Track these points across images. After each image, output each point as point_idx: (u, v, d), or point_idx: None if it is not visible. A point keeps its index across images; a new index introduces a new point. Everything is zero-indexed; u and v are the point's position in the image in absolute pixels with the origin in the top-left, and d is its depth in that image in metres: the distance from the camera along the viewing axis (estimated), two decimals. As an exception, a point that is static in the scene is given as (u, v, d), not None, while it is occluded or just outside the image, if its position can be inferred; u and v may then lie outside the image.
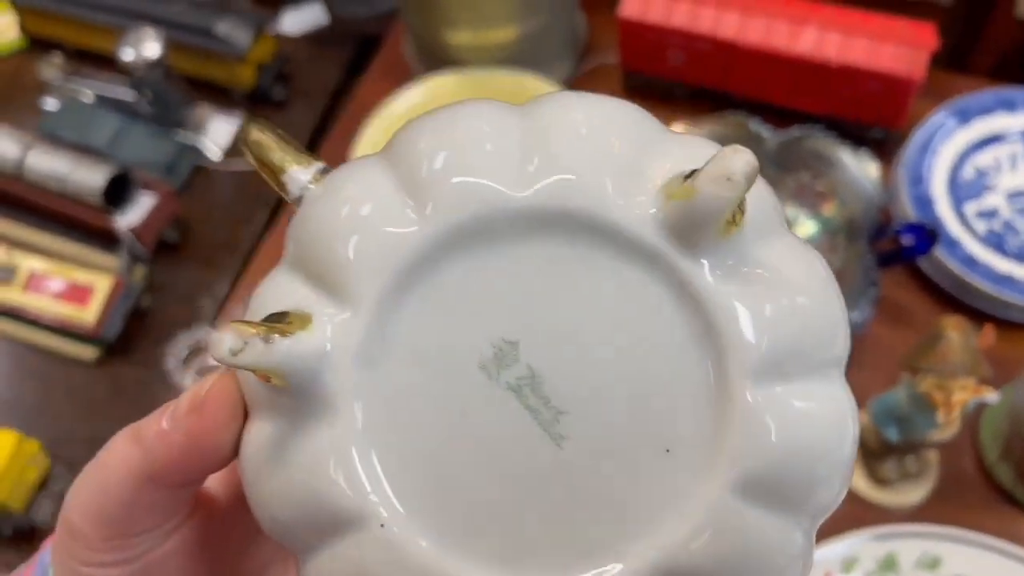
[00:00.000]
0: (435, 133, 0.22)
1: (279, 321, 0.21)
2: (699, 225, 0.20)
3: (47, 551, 0.26)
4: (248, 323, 0.20)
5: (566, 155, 0.21)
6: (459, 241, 0.21)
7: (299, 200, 0.23)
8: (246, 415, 0.23)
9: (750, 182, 0.19)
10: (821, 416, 0.21)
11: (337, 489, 0.21)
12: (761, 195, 0.22)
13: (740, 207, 0.20)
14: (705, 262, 0.21)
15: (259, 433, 0.22)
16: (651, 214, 0.21)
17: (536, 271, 0.21)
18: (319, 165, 0.24)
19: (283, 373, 0.20)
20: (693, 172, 0.20)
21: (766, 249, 0.21)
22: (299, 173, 0.23)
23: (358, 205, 0.21)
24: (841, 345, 0.22)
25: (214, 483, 0.27)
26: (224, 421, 0.23)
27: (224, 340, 0.19)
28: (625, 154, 0.21)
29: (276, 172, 0.23)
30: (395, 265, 0.21)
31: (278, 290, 0.22)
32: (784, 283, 0.21)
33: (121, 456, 0.24)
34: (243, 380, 0.22)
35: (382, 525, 0.21)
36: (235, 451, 0.23)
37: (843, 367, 0.22)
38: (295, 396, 0.21)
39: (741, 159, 0.19)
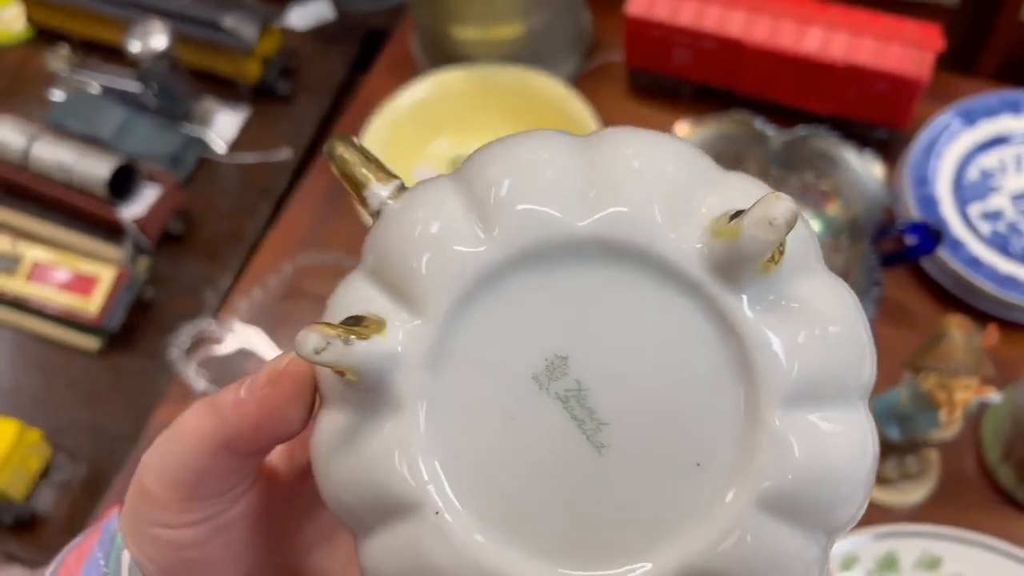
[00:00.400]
0: (503, 161, 0.24)
1: (357, 324, 0.23)
2: (741, 263, 0.22)
3: (112, 519, 0.28)
4: (331, 325, 0.22)
5: (623, 188, 0.23)
6: (521, 263, 0.23)
7: (378, 214, 0.25)
8: (315, 397, 0.25)
9: (790, 227, 0.21)
10: (844, 440, 0.23)
11: (399, 478, 0.23)
12: (800, 235, 0.24)
13: (780, 248, 0.22)
14: (744, 296, 0.23)
15: (331, 422, 0.24)
16: (697, 249, 0.23)
17: (589, 294, 0.23)
18: (398, 182, 0.26)
19: (358, 371, 0.23)
20: (739, 213, 0.22)
21: (801, 285, 0.23)
22: (380, 189, 0.25)
23: (432, 224, 0.24)
24: (868, 375, 0.24)
25: (277, 458, 0.30)
26: (297, 395, 0.25)
27: (309, 339, 0.22)
28: (677, 190, 0.23)
29: (358, 186, 0.26)
30: (463, 281, 0.23)
31: (356, 295, 0.24)
32: (816, 316, 0.23)
33: (197, 423, 0.26)
34: (320, 374, 0.25)
35: (436, 513, 0.23)
36: (302, 425, 0.25)
37: (867, 396, 0.24)
38: (367, 392, 0.23)
39: (783, 206, 0.21)
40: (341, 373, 0.23)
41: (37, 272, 0.86)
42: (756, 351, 0.22)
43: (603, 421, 0.23)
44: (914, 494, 0.67)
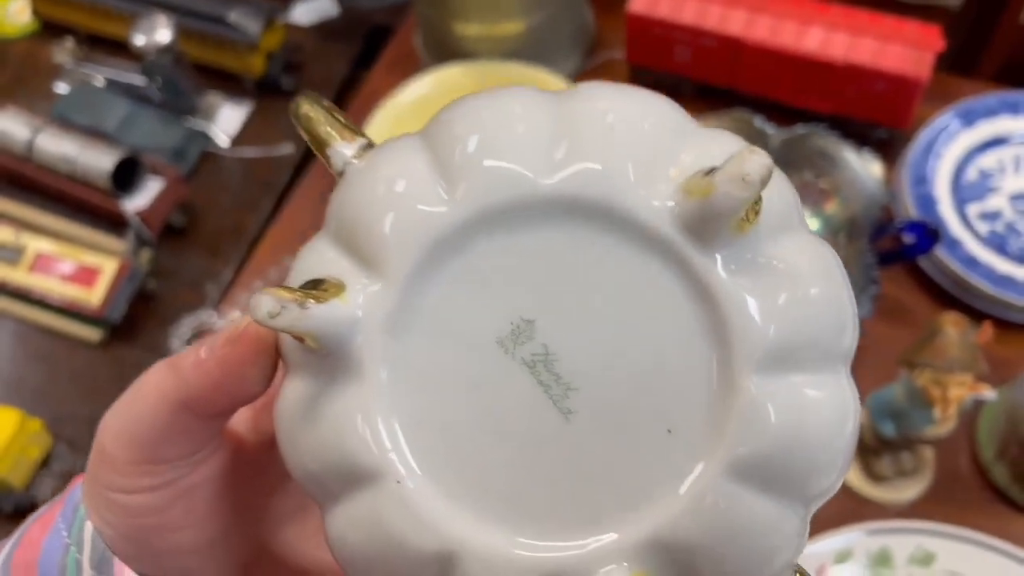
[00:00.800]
0: (470, 116, 0.23)
1: (315, 288, 0.22)
2: (714, 221, 0.21)
3: (76, 489, 0.28)
4: (286, 289, 0.21)
5: (593, 144, 0.22)
6: (486, 223, 0.22)
7: (342, 174, 0.24)
8: (277, 360, 0.25)
9: (764, 183, 0.20)
10: (823, 406, 0.22)
11: (361, 446, 0.22)
12: (779, 192, 0.23)
13: (755, 206, 0.21)
14: (718, 256, 0.22)
15: (294, 389, 0.24)
16: (669, 207, 0.22)
17: (556, 255, 0.22)
18: (363, 141, 0.25)
19: (316, 336, 0.22)
20: (712, 169, 0.21)
21: (781, 245, 0.22)
22: (343, 148, 0.25)
23: (395, 183, 0.23)
24: (849, 339, 0.23)
25: (243, 426, 0.29)
26: (256, 356, 0.25)
27: (263, 303, 0.21)
28: (651, 147, 0.22)
29: (322, 145, 0.25)
30: (426, 243, 0.22)
31: (317, 258, 0.23)
32: (796, 277, 0.22)
33: (156, 382, 0.25)
34: (282, 340, 0.24)
35: (398, 482, 0.22)
36: (262, 387, 0.25)
37: (849, 361, 0.23)
38: (327, 358, 0.23)
39: (757, 161, 0.20)
40: (300, 339, 0.22)
41: (40, 263, 0.87)
42: (730, 312, 0.22)
43: (571, 386, 0.23)
44: (909, 491, 0.67)
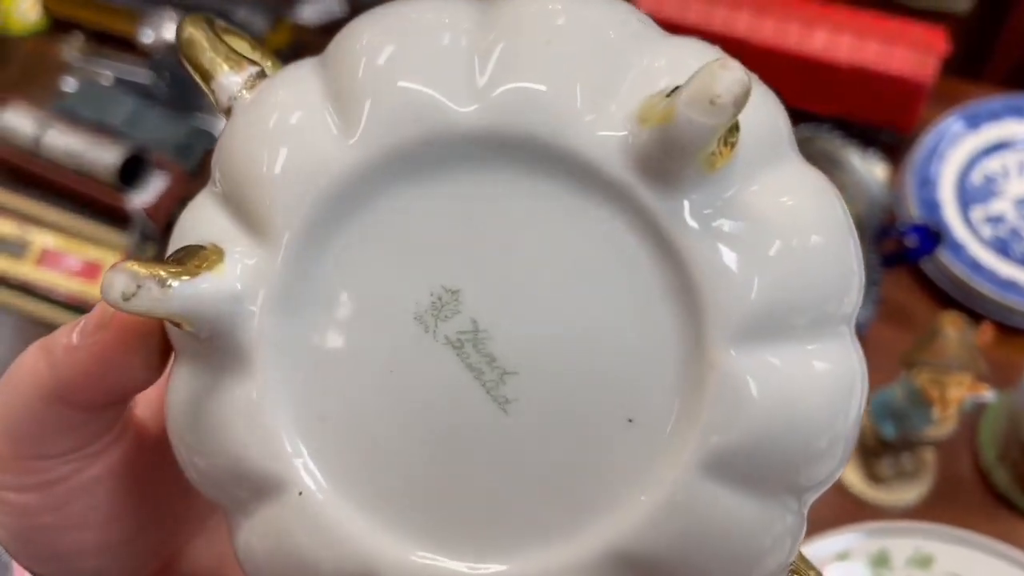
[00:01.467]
0: (372, 30, 0.19)
1: (187, 258, 0.18)
2: (677, 157, 0.16)
3: None
4: (143, 262, 0.17)
5: (527, 59, 0.18)
6: (393, 166, 0.18)
7: (228, 111, 0.20)
8: (164, 343, 0.21)
9: (739, 106, 0.16)
10: (822, 381, 0.18)
11: (250, 453, 0.19)
12: (762, 114, 0.18)
13: (729, 136, 0.17)
14: (686, 201, 0.17)
15: (181, 378, 0.20)
16: (623, 139, 0.17)
17: (485, 205, 0.18)
18: (254, 69, 0.20)
19: (185, 320, 0.18)
20: (676, 89, 0.16)
21: (764, 182, 0.18)
22: (229, 79, 0.20)
23: (280, 121, 0.18)
24: (855, 295, 0.19)
25: (145, 411, 0.25)
26: (132, 343, 0.20)
27: (115, 282, 0.17)
28: (602, 60, 0.18)
29: (206, 78, 0.20)
30: (318, 195, 0.18)
31: (195, 219, 0.19)
32: (785, 223, 0.18)
33: (29, 369, 0.21)
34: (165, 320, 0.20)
35: (300, 493, 0.19)
36: (151, 376, 0.21)
37: (853, 323, 0.19)
38: (209, 343, 0.19)
39: (730, 77, 0.15)
40: (176, 324, 0.18)
41: (45, 258, 0.87)
42: (701, 272, 0.17)
43: (507, 370, 0.18)
44: (909, 493, 0.67)
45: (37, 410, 0.21)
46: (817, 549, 0.62)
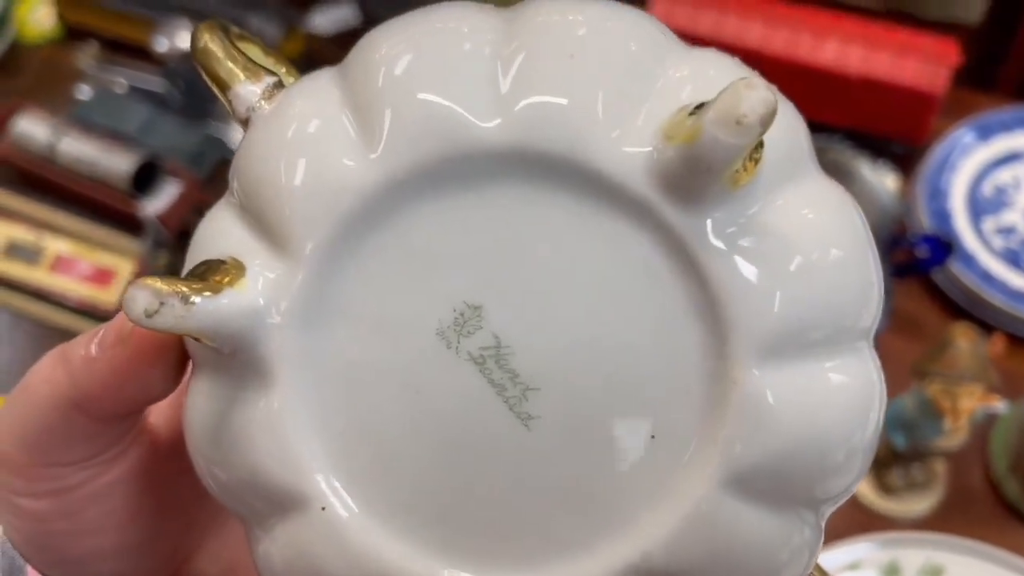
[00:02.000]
0: (393, 41, 0.18)
1: (209, 273, 0.18)
2: (702, 175, 0.17)
3: None
4: (165, 279, 0.17)
5: (550, 71, 0.17)
6: (416, 183, 0.18)
7: (246, 122, 0.20)
8: (182, 354, 0.21)
9: (766, 125, 0.16)
10: (842, 396, 0.18)
11: (273, 467, 0.19)
12: (785, 129, 0.18)
13: (754, 153, 0.17)
14: (710, 220, 0.17)
15: (200, 391, 0.20)
16: (647, 155, 0.17)
17: (507, 221, 0.18)
18: (272, 79, 0.20)
19: (207, 336, 0.18)
20: (701, 106, 0.17)
21: (788, 197, 0.18)
22: (247, 89, 0.20)
23: (300, 133, 0.18)
24: (874, 309, 0.19)
25: (158, 417, 0.25)
26: (153, 355, 0.20)
27: (137, 300, 0.17)
28: (624, 73, 0.18)
29: (223, 87, 0.20)
30: (340, 210, 0.18)
31: (214, 231, 0.19)
32: (808, 239, 0.18)
33: (46, 378, 0.21)
34: None
35: (323, 508, 0.19)
36: (168, 388, 0.21)
37: (871, 338, 0.19)
38: (232, 357, 0.19)
39: (756, 96, 0.16)
40: (197, 338, 0.18)
41: (60, 264, 0.88)
42: (725, 290, 0.17)
43: (529, 386, 0.18)
44: (919, 504, 0.67)
45: (53, 419, 0.21)
46: (828, 560, 0.62)
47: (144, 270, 0.86)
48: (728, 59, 0.19)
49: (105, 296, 0.85)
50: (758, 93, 0.16)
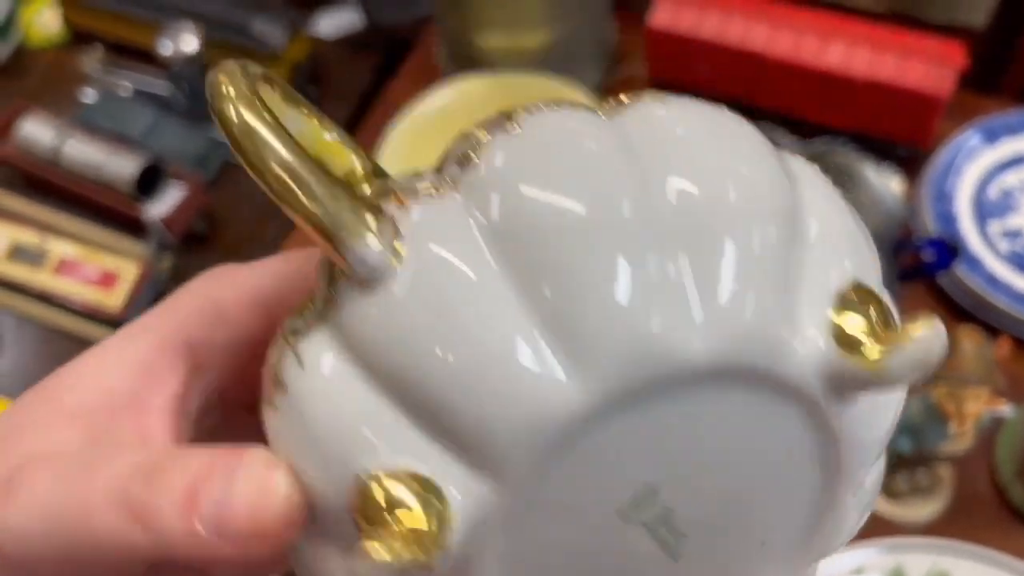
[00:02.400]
0: (574, 229, 0.18)
1: (428, 510, 0.17)
2: (864, 387, 0.19)
3: None
4: (394, 536, 0.17)
5: (722, 276, 0.18)
6: (623, 403, 0.18)
7: (366, 281, 0.17)
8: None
9: (939, 364, 0.18)
10: (875, 485, 0.23)
11: None
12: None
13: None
14: (855, 407, 0.20)
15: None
16: (820, 357, 0.19)
17: (690, 419, 0.19)
18: (387, 224, 0.17)
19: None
20: (865, 292, 0.19)
21: None
22: (363, 245, 0.17)
23: (473, 317, 0.17)
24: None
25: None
26: (291, 540, 0.19)
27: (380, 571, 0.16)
28: (778, 266, 0.19)
29: (330, 236, 0.17)
30: (549, 435, 0.18)
31: (355, 414, 0.18)
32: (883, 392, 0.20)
33: (121, 542, 0.19)
34: (318, 501, 0.19)
35: None
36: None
37: None
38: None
39: (941, 343, 0.18)
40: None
41: (63, 267, 0.88)
42: (849, 452, 0.20)
43: (682, 533, 0.20)
44: (924, 510, 0.66)
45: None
46: (832, 564, 0.62)
47: (148, 273, 0.86)
48: (828, 185, 0.21)
49: (109, 299, 0.85)
50: (942, 339, 0.18)
